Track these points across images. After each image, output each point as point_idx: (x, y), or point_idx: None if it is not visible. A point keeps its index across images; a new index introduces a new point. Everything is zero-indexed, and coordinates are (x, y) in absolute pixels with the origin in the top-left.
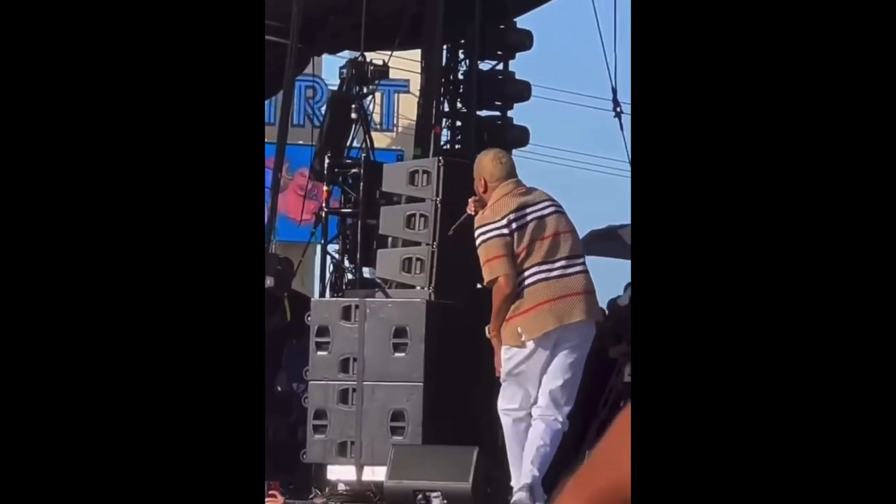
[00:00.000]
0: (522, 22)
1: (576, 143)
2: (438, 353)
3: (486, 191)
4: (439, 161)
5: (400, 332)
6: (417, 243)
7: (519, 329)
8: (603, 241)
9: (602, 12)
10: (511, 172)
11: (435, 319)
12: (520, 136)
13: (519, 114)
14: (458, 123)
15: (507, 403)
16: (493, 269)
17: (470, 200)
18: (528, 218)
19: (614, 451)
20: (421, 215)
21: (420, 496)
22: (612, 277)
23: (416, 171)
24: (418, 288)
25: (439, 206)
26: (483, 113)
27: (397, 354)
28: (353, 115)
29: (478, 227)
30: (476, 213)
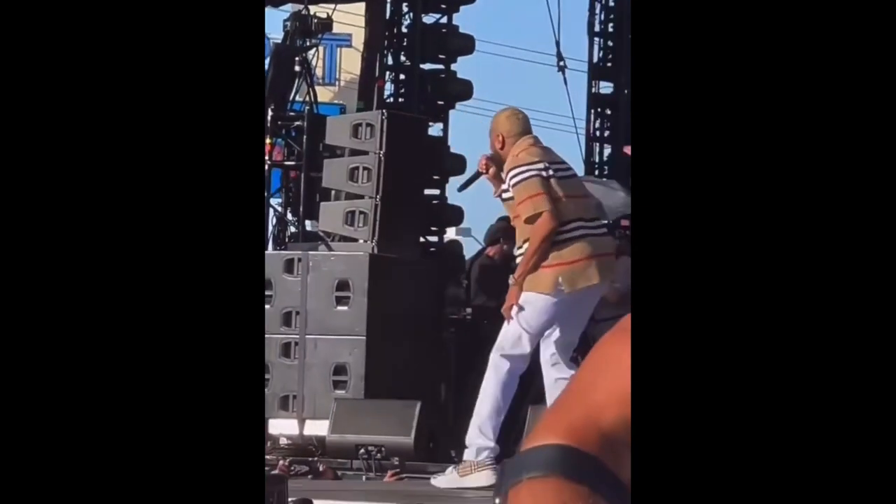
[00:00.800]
0: None
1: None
2: (381, 307)
3: (503, 147)
4: (383, 114)
5: (343, 285)
6: (361, 196)
7: (560, 279)
8: None
9: None
10: (528, 129)
11: (378, 273)
12: (463, 90)
13: (462, 67)
14: (402, 77)
15: (512, 348)
16: (536, 204)
17: (482, 157)
18: (559, 173)
19: (590, 380)
20: (364, 168)
21: (362, 450)
22: None
23: (360, 125)
24: (361, 241)
25: (383, 159)
26: (426, 66)
27: (340, 308)
28: (297, 69)
29: (512, 168)
30: (488, 170)
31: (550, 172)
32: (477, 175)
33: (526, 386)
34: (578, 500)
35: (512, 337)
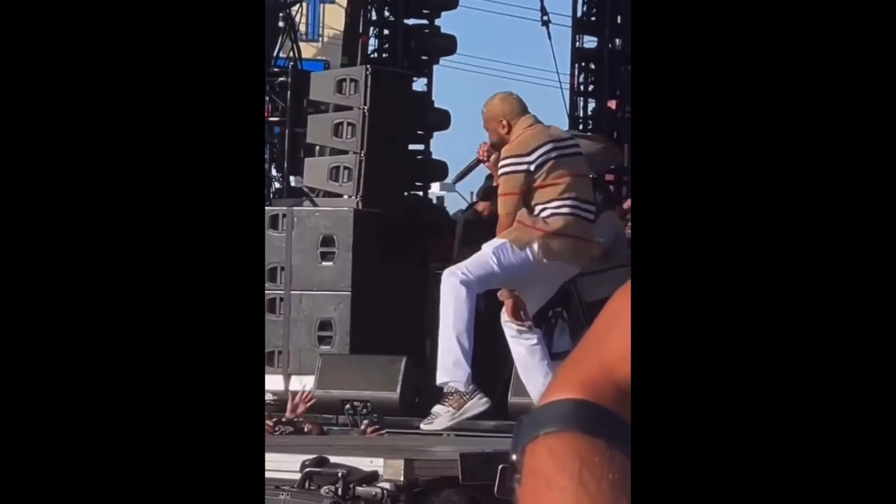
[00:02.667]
0: None
1: (503, 52)
2: (366, 262)
3: (509, 130)
4: (367, 70)
5: (327, 240)
6: (345, 152)
7: (536, 244)
8: None
9: None
10: (525, 108)
11: (362, 228)
12: (447, 45)
13: (446, 22)
14: (386, 32)
15: (476, 276)
16: (504, 203)
17: (481, 145)
18: (559, 153)
19: (603, 334)
20: (349, 124)
21: (348, 405)
22: None
23: (344, 80)
24: (346, 197)
25: (367, 114)
26: (410, 21)
27: (325, 263)
28: (281, 25)
29: (503, 158)
30: (488, 158)
31: (541, 160)
32: (476, 163)
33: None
34: (595, 454)
35: (479, 266)
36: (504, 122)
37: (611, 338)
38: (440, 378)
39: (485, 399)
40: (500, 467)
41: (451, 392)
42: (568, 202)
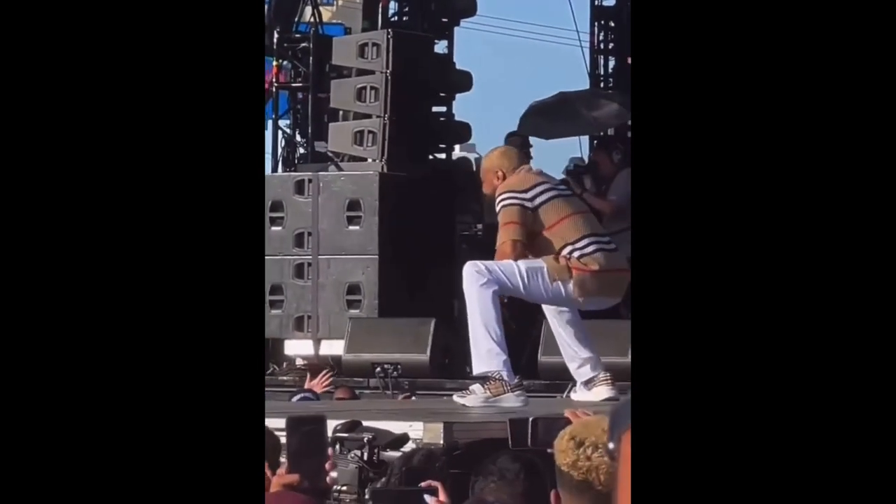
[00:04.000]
0: None
1: (523, 11)
2: (393, 225)
3: (505, 180)
4: (388, 33)
5: (353, 205)
6: (369, 116)
7: (573, 283)
8: (546, 117)
9: None
10: (523, 159)
11: (388, 191)
12: (467, 6)
13: None
14: None
15: (503, 283)
16: (506, 231)
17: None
18: (555, 193)
19: None
20: (371, 88)
21: (378, 369)
22: None
23: (366, 44)
24: (370, 160)
25: (390, 78)
26: None
27: (351, 227)
28: None
29: (501, 193)
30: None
31: (538, 201)
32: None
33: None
34: None
35: (506, 275)
36: (500, 174)
37: None
38: (477, 368)
39: (524, 397)
40: (508, 420)
41: (496, 378)
42: (591, 239)
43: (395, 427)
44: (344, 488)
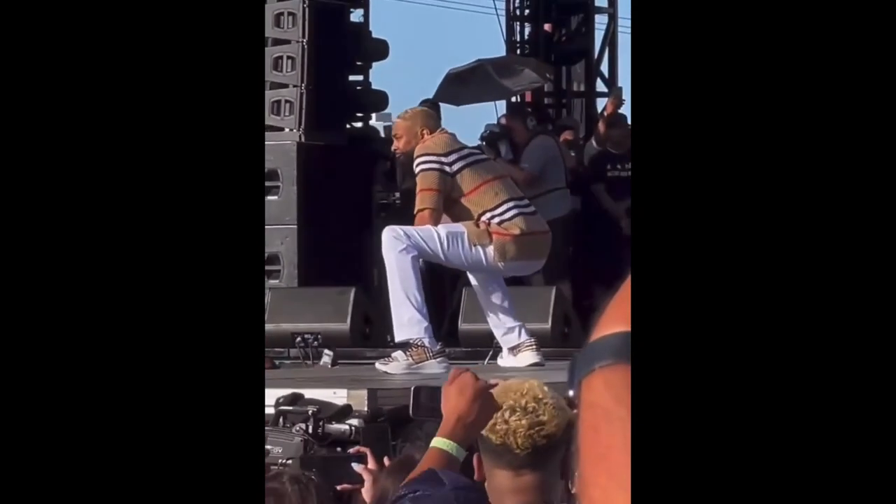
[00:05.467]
0: None
1: None
2: (311, 195)
3: (425, 139)
4: (304, 2)
5: (271, 174)
6: (285, 85)
7: (494, 248)
8: (462, 85)
9: None
10: (440, 123)
11: (306, 161)
12: None
13: None
14: None
15: (423, 248)
16: (422, 199)
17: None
18: (473, 158)
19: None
20: (288, 57)
21: (299, 338)
22: None
23: (281, 14)
24: (288, 130)
25: (306, 47)
26: None
27: (270, 197)
28: None
29: (419, 155)
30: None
31: (457, 165)
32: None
33: (457, 270)
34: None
35: (425, 240)
36: (423, 133)
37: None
38: (399, 335)
39: (445, 364)
40: (412, 388)
41: (418, 345)
42: (510, 204)
43: (320, 395)
44: (289, 461)
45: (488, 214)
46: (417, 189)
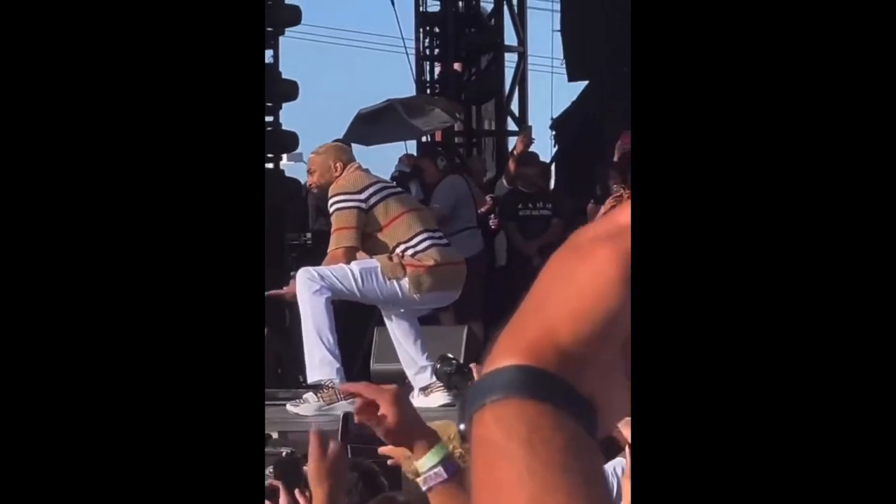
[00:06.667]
0: None
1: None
2: None
3: (340, 174)
4: None
5: None
6: None
7: (408, 280)
8: (372, 125)
9: None
10: (353, 157)
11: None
12: (292, 16)
13: None
14: None
15: (338, 287)
16: (337, 238)
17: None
18: (387, 192)
19: (542, 298)
20: None
21: None
22: None
23: None
24: None
25: None
26: None
27: None
28: None
29: (334, 194)
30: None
31: (373, 200)
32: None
33: (369, 309)
34: (543, 419)
35: (339, 279)
36: (338, 166)
37: (550, 301)
38: (311, 377)
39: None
40: (342, 414)
41: (329, 386)
42: (423, 236)
43: None
44: None
45: (402, 246)
46: (333, 228)
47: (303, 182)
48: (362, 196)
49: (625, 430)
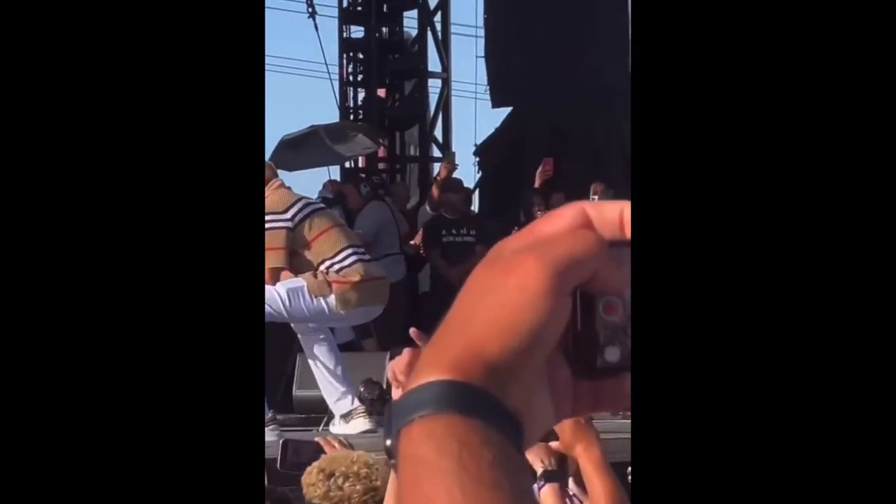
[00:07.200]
0: None
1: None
2: None
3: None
4: None
5: None
6: None
7: (334, 297)
8: (295, 150)
9: None
10: (275, 173)
11: None
12: None
13: None
14: None
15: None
16: (267, 259)
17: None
18: (311, 209)
19: (467, 312)
20: None
21: None
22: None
23: None
24: None
25: None
26: None
27: None
28: None
29: (266, 214)
30: None
31: (298, 217)
32: None
33: (291, 337)
34: (473, 434)
35: (267, 302)
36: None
37: (476, 315)
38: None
39: (277, 432)
40: (281, 441)
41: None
42: (348, 251)
43: None
44: None
45: (328, 263)
46: (266, 248)
47: None
48: (287, 216)
49: (551, 448)
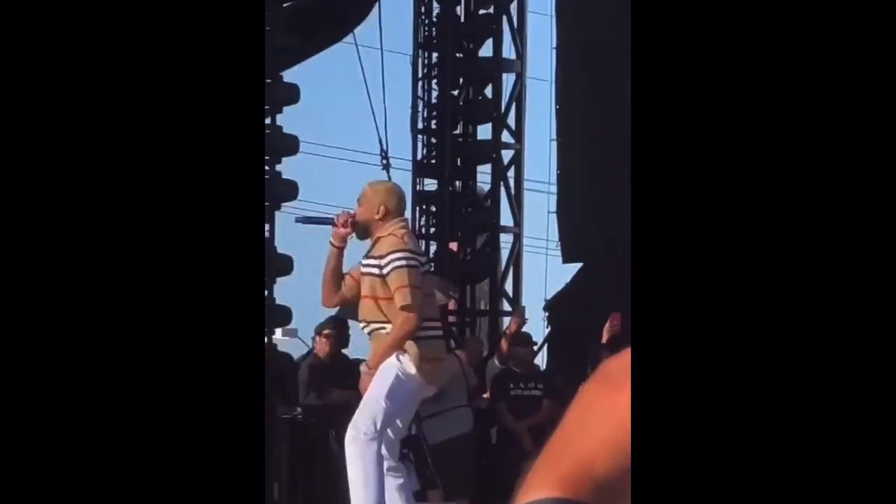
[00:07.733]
0: (289, 76)
1: (345, 197)
2: None
3: (382, 218)
4: None
5: None
6: None
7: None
8: None
9: (368, 65)
10: (405, 209)
11: None
12: (288, 191)
13: (287, 168)
14: None
15: (371, 427)
16: (412, 295)
17: (344, 213)
18: (424, 267)
19: (577, 428)
20: None
21: None
22: None
23: None
24: None
25: None
26: None
27: None
28: None
29: (397, 251)
30: (345, 226)
31: (423, 268)
32: (326, 222)
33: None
34: None
35: (370, 415)
36: (383, 209)
37: (585, 432)
38: None
39: None
40: None
41: None
42: (430, 323)
43: None
44: None
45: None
46: (396, 285)
47: (295, 358)
48: (423, 259)
49: None
